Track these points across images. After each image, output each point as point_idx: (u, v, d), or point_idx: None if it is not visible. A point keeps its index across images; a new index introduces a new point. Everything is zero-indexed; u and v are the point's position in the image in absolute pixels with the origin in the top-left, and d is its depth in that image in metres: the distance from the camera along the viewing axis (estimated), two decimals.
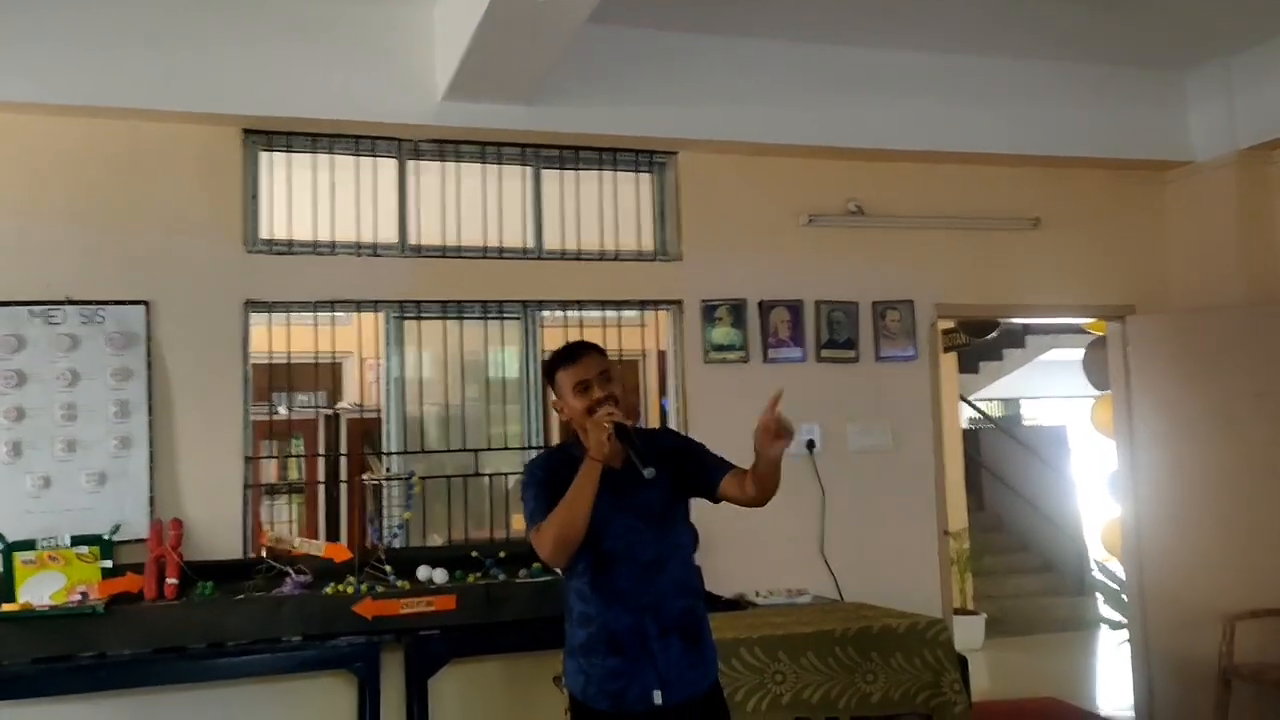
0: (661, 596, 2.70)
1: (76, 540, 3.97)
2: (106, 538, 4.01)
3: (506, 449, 4.91)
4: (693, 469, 2.80)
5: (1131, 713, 5.51)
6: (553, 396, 2.84)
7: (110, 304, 4.18)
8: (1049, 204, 5.51)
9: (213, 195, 4.38)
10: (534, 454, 4.81)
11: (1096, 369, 6.18)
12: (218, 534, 4.22)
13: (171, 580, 3.93)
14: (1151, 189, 5.69)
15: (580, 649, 2.73)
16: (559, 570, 2.80)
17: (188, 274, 4.31)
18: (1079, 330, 7.23)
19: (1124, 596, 6.10)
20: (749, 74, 4.87)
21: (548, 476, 2.73)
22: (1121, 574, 6.18)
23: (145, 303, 4.23)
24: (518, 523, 4.57)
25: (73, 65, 4.08)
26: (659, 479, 2.64)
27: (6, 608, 3.75)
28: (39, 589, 3.87)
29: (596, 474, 2.57)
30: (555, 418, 5.30)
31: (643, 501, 2.72)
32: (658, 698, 2.65)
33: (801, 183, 5.13)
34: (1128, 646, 5.69)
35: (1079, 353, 6.92)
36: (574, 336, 4.78)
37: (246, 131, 4.42)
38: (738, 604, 4.45)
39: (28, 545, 3.93)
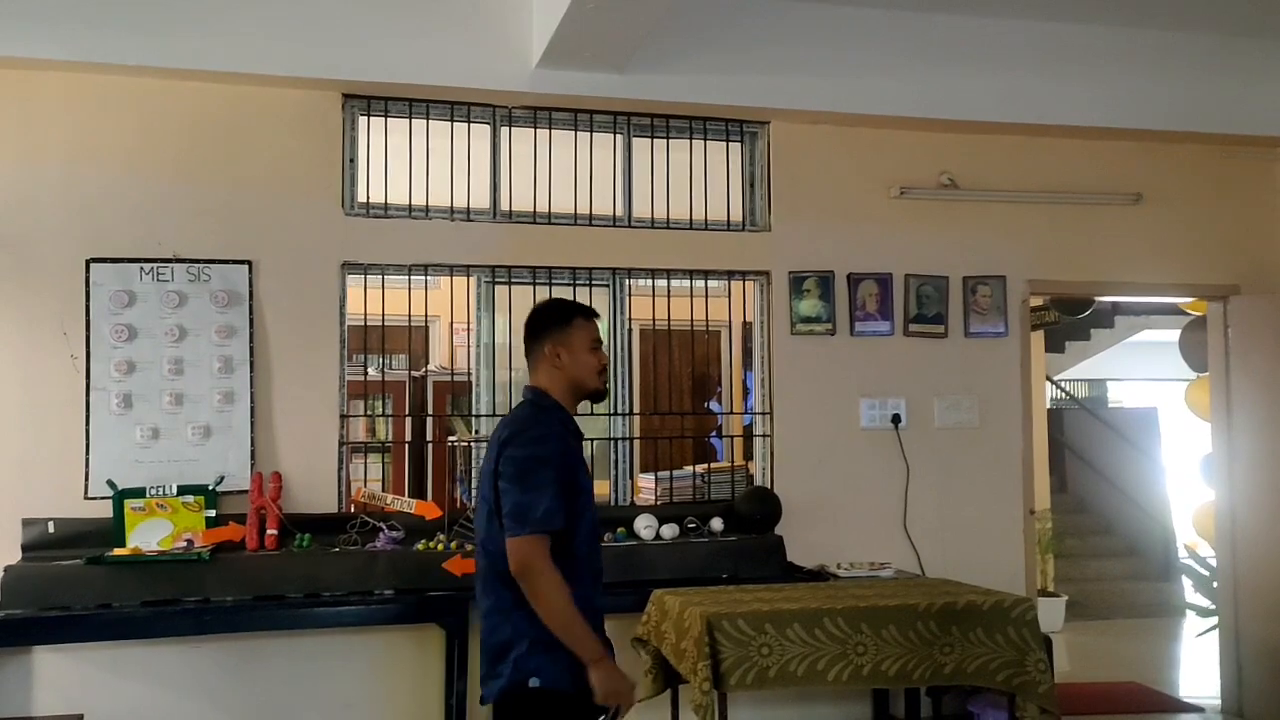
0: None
1: (183, 490, 4.13)
2: (211, 488, 4.16)
3: (592, 414, 4.94)
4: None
5: (1218, 701, 5.39)
6: (549, 345, 2.61)
7: (215, 263, 4.32)
8: (1151, 179, 5.34)
9: (313, 158, 4.48)
10: (613, 421, 4.86)
11: (1194, 350, 6.02)
12: (314, 488, 4.35)
13: (272, 531, 4.08)
14: (1261, 165, 5.49)
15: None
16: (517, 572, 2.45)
17: (288, 235, 4.42)
18: (1174, 311, 7.04)
19: (1214, 583, 5.95)
20: (842, 43, 4.81)
21: (563, 452, 2.50)
22: (1212, 560, 6.03)
23: (248, 262, 4.35)
24: (602, 487, 4.59)
25: (182, 30, 4.19)
26: None
27: (118, 552, 3.93)
28: (147, 535, 4.04)
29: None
30: (640, 382, 5.38)
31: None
32: None
33: (893, 154, 5.06)
34: (1211, 634, 5.55)
35: (1171, 334, 6.74)
36: (662, 305, 4.90)
37: (346, 96, 4.51)
38: (819, 575, 4.46)
39: (137, 493, 4.10)
